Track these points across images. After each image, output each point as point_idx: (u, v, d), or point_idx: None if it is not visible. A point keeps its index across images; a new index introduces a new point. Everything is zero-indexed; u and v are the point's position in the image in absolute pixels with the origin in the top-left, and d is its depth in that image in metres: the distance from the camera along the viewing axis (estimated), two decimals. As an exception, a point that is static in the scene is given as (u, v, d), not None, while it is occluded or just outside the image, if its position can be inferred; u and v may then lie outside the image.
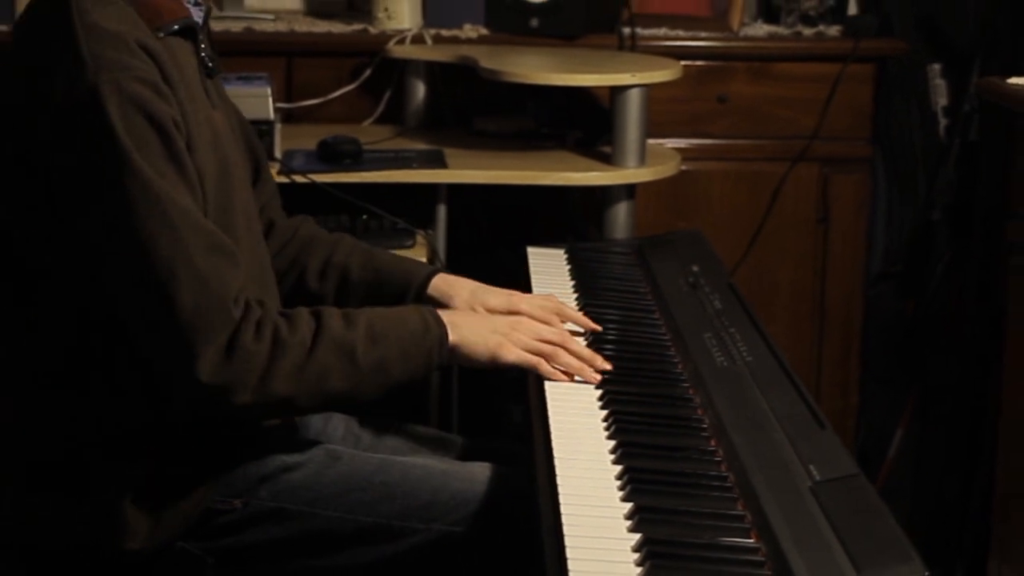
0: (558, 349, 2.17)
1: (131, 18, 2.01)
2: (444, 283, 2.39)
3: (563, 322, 2.31)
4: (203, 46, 2.17)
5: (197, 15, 2.15)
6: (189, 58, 2.12)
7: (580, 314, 2.38)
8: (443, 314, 2.14)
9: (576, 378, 2.16)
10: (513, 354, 2.14)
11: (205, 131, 2.07)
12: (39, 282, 2.03)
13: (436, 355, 2.09)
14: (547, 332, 2.19)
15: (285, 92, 3.69)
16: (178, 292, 1.90)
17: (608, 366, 2.19)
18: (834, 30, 3.82)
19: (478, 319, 2.20)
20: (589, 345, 2.26)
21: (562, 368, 2.16)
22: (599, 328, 2.35)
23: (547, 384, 2.14)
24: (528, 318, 2.24)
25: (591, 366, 2.17)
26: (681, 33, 3.77)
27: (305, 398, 2.00)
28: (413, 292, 2.38)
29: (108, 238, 1.93)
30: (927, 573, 1.56)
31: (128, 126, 1.90)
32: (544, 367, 2.15)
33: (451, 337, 2.11)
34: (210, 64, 2.18)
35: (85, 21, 1.94)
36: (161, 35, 2.04)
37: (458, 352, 2.12)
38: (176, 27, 2.08)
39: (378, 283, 2.40)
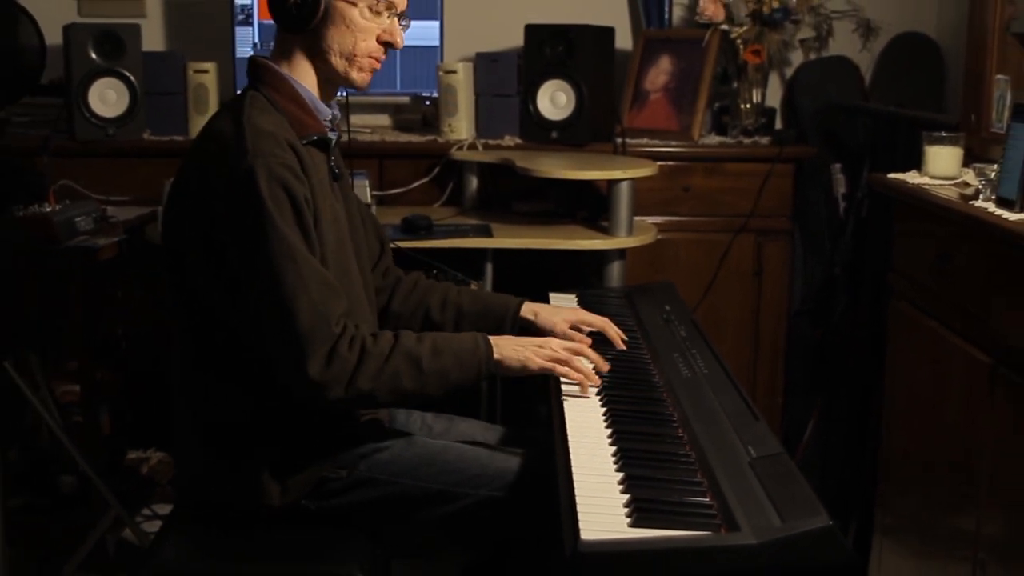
0: (571, 358, 2.14)
1: (284, 125, 2.04)
2: (529, 307, 2.39)
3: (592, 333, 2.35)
4: (333, 157, 2.19)
5: (331, 135, 2.17)
6: (321, 164, 2.13)
7: (618, 330, 2.39)
8: (492, 338, 2.12)
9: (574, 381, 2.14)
10: (535, 364, 2.11)
11: (328, 214, 2.08)
12: (207, 315, 2.04)
13: (485, 365, 2.07)
14: (562, 353, 2.15)
15: (378, 183, 3.69)
16: (298, 312, 1.91)
17: (606, 368, 2.19)
18: (765, 140, 3.81)
19: (516, 341, 2.15)
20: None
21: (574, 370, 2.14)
22: (624, 347, 2.35)
23: (563, 389, 2.13)
24: (555, 340, 2.19)
25: (588, 378, 2.14)
26: (657, 142, 3.77)
27: (383, 394, 1.99)
28: (511, 315, 2.38)
29: (251, 272, 1.94)
30: (831, 522, 1.56)
31: (272, 195, 1.93)
32: (560, 369, 2.13)
33: (495, 354, 2.10)
34: (336, 171, 2.20)
35: (252, 123, 1.98)
36: (304, 142, 2.06)
37: (501, 365, 2.10)
38: (315, 138, 2.10)
39: (484, 312, 2.38)
